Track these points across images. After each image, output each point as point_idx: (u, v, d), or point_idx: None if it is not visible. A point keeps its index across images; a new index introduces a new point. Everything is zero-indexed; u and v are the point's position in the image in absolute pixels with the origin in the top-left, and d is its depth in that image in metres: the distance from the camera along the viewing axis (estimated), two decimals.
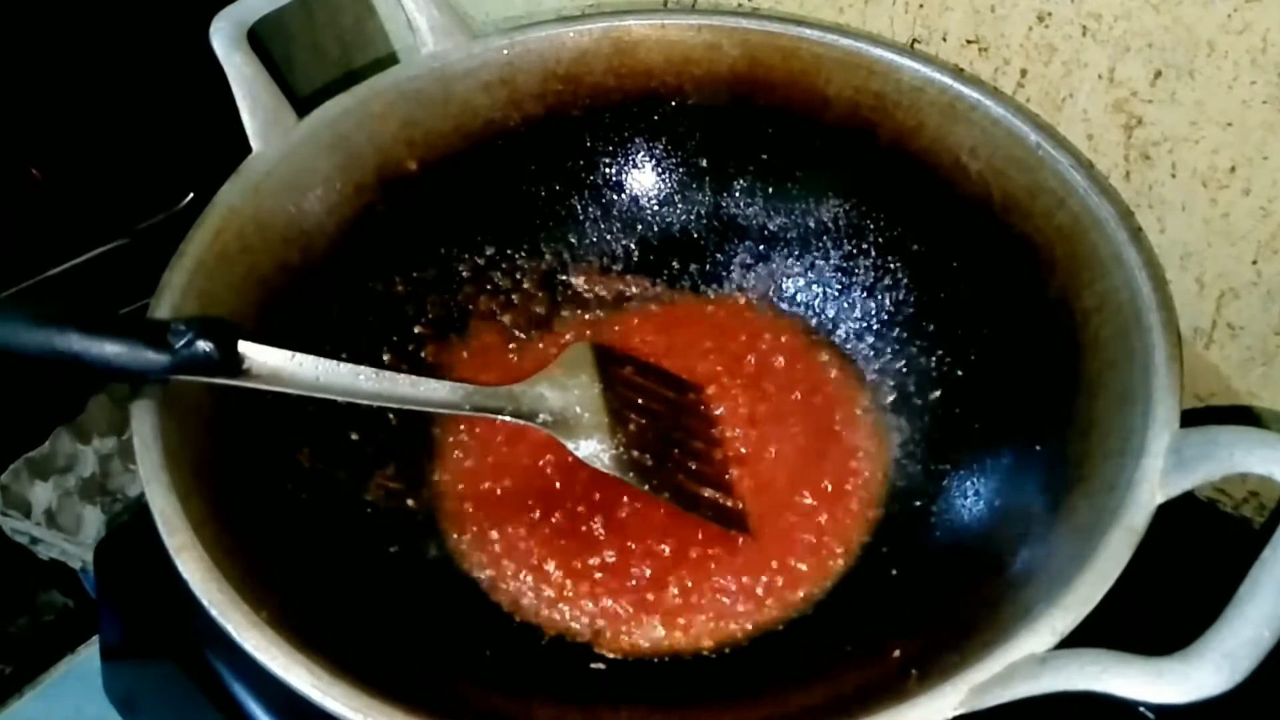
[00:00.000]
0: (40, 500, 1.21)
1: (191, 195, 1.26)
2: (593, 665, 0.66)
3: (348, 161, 0.76)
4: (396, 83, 0.77)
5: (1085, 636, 0.48)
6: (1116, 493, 0.51)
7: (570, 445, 0.69)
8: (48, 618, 1.24)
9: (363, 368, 0.63)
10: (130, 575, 0.79)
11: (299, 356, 0.58)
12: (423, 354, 0.80)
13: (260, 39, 0.74)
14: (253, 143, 0.72)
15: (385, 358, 0.78)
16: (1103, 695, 0.43)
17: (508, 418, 0.68)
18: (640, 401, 0.74)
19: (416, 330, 0.81)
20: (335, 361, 0.61)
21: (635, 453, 0.70)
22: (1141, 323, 0.57)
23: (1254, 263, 0.68)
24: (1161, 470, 0.51)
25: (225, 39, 0.72)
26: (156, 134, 1.22)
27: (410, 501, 0.74)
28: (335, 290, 0.76)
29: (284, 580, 0.58)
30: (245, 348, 0.56)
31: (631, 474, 0.69)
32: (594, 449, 0.69)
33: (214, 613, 0.52)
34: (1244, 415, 0.74)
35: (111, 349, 0.52)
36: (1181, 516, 0.51)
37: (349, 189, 0.76)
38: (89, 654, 1.08)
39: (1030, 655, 0.47)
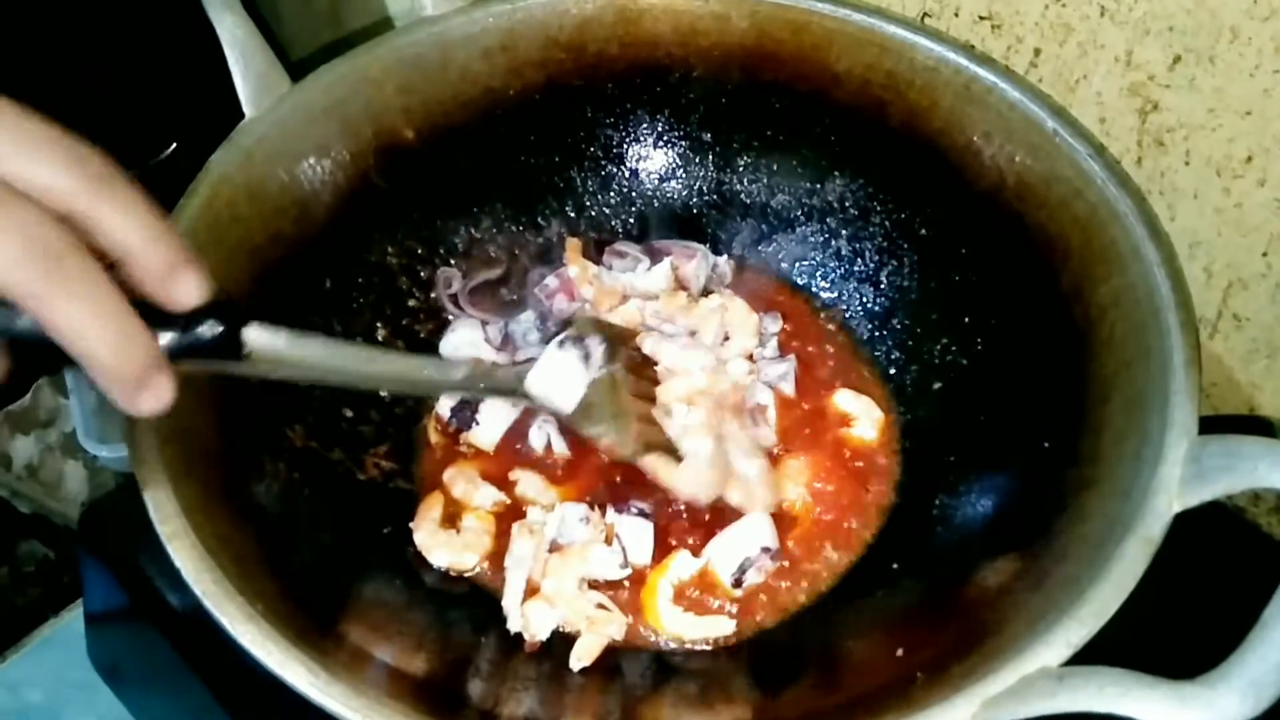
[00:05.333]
0: (21, 454, 1.20)
1: (174, 146, 1.23)
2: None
3: (343, 129, 0.73)
4: (394, 48, 0.75)
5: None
6: (1132, 500, 0.50)
7: (590, 432, 0.66)
8: (28, 568, 1.23)
9: (372, 349, 0.60)
10: (116, 542, 0.78)
11: (305, 339, 0.53)
12: (417, 328, 0.79)
13: None
14: (245, 108, 0.70)
15: (380, 334, 0.76)
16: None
17: (523, 401, 0.66)
18: (647, 377, 0.73)
19: (411, 304, 0.79)
20: (343, 342, 0.58)
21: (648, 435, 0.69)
22: (1159, 322, 0.56)
23: (1264, 255, 0.67)
24: (1180, 479, 0.50)
25: None
26: (137, 82, 1.19)
27: (404, 482, 0.73)
28: (329, 262, 0.74)
29: (279, 567, 0.57)
30: (250, 331, 0.51)
31: (649, 459, 0.68)
32: (614, 437, 0.66)
33: (208, 604, 0.51)
34: (1255, 421, 0.73)
35: None
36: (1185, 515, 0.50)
37: (344, 157, 0.74)
38: (72, 617, 1.07)
39: (1044, 668, 0.46)
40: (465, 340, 0.78)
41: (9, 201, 0.38)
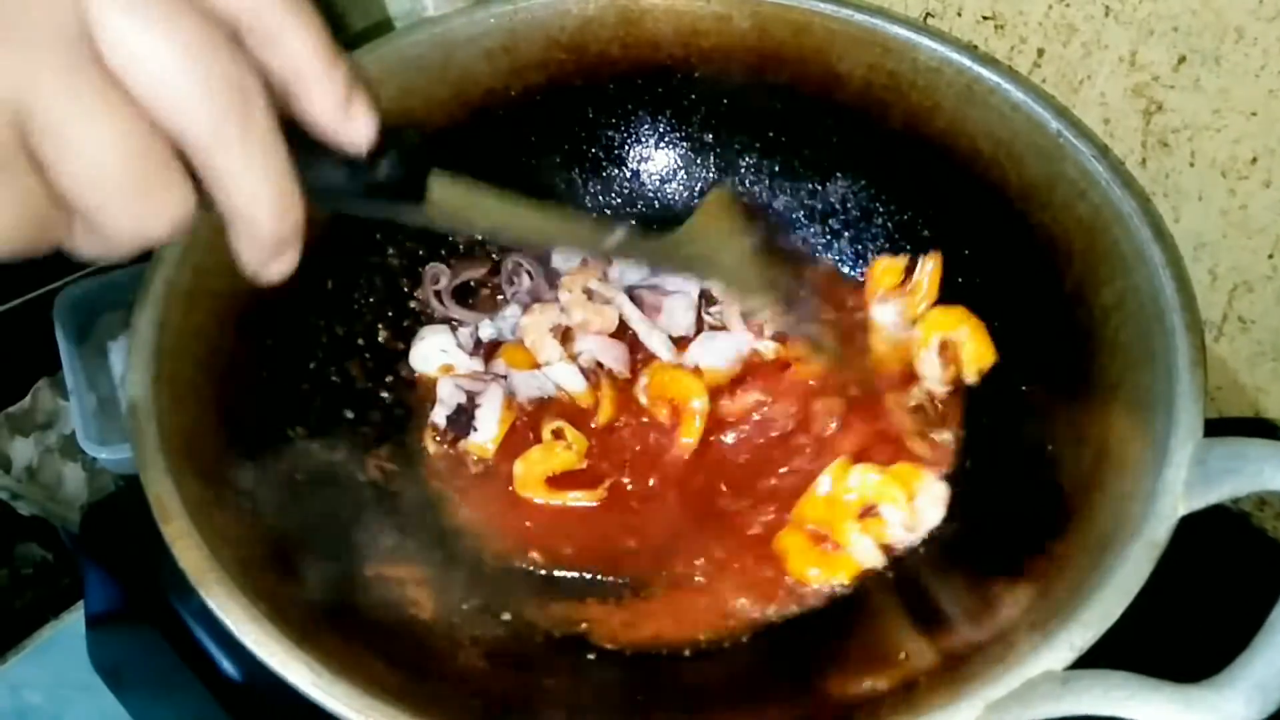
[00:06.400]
0: (20, 456, 1.19)
1: None
2: (588, 656, 0.64)
3: None
4: (395, 49, 0.75)
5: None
6: (1137, 503, 0.50)
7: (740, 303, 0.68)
8: (26, 570, 1.23)
9: (535, 208, 0.56)
10: (117, 544, 0.78)
11: (480, 192, 0.48)
12: (419, 329, 0.78)
13: None
14: None
15: (381, 335, 0.76)
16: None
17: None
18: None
19: (412, 305, 0.79)
20: (511, 199, 0.54)
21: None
22: (1164, 324, 0.56)
23: (1270, 257, 0.67)
24: (1185, 481, 0.49)
25: None
26: None
27: (405, 484, 0.72)
28: (330, 263, 0.74)
29: (282, 567, 0.57)
30: (433, 176, 0.46)
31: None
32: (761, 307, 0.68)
33: (212, 604, 0.51)
34: (1261, 424, 0.73)
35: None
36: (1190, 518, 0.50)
37: None
38: (73, 619, 1.07)
39: (1049, 672, 0.46)
40: (434, 348, 0.77)
41: (195, 20, 0.32)
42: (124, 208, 0.33)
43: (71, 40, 0.31)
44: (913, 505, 0.67)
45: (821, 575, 0.66)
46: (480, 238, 0.75)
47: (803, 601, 0.66)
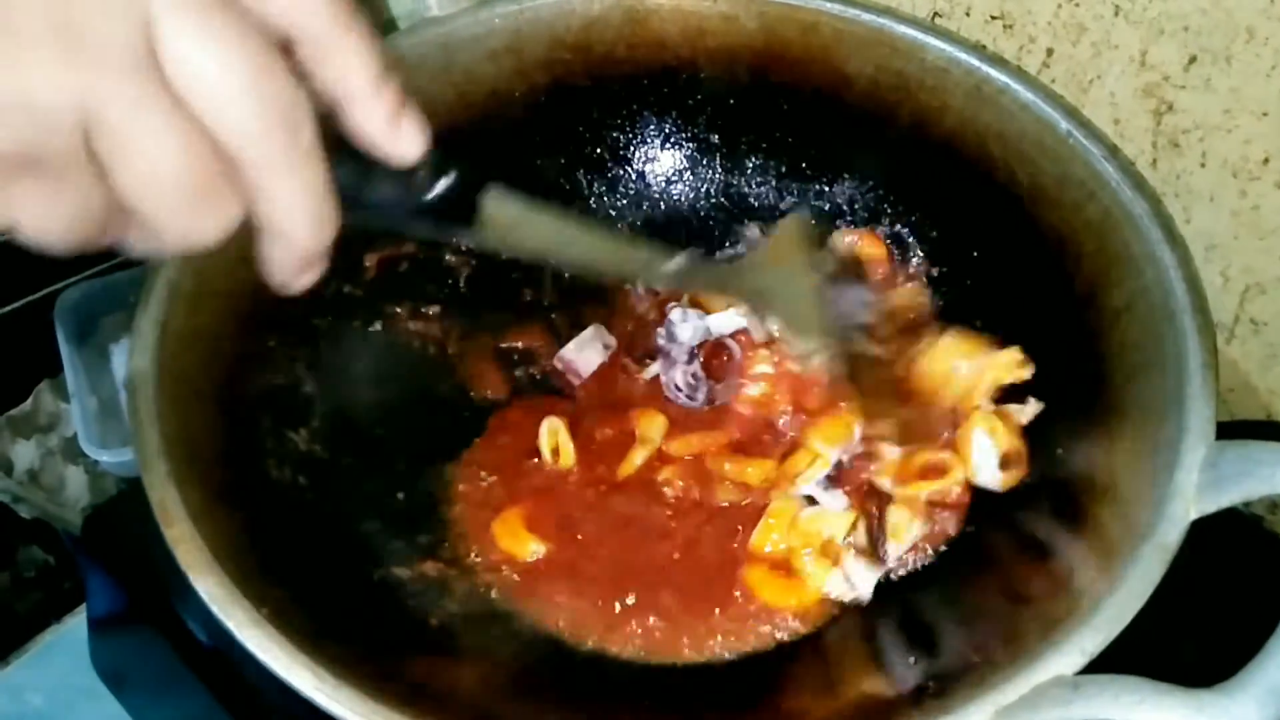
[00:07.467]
0: (22, 459, 1.19)
1: None
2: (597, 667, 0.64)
3: None
4: (399, 49, 0.74)
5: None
6: (1148, 507, 0.50)
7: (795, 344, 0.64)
8: (28, 574, 1.23)
9: (594, 231, 0.54)
10: (119, 547, 0.78)
11: (535, 213, 0.48)
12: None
13: None
14: None
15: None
16: None
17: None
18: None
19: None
20: (567, 222, 0.52)
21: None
22: (1175, 326, 0.55)
23: None
24: (1196, 485, 0.49)
25: None
26: None
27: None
28: (333, 267, 0.73)
29: (286, 570, 0.57)
30: (488, 196, 0.45)
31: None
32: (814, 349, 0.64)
33: (214, 608, 0.51)
34: (1273, 427, 0.73)
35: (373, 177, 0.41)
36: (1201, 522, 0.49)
37: None
38: (75, 623, 1.07)
39: (1059, 677, 0.45)
40: None
41: (255, 43, 0.33)
42: (176, 215, 0.34)
43: (137, 55, 0.32)
44: None
45: (789, 601, 0.65)
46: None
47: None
